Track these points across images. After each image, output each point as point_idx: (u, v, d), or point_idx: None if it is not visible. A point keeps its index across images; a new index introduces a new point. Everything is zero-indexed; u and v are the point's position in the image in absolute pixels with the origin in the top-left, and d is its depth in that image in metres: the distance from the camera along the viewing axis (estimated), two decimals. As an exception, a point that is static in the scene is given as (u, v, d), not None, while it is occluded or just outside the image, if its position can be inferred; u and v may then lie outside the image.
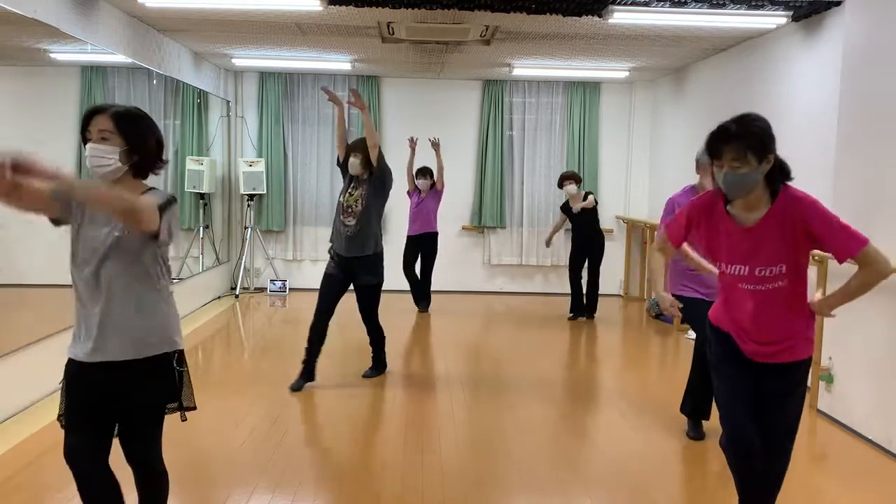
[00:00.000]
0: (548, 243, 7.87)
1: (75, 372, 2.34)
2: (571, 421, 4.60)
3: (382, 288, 5.23)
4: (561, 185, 7.53)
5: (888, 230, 4.12)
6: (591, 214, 7.47)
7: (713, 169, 2.48)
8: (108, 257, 2.23)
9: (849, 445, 4.22)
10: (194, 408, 2.50)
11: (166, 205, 2.22)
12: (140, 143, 2.25)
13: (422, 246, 7.76)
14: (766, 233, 2.47)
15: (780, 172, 2.49)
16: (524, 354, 6.21)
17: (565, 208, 7.63)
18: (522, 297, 8.97)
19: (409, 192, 7.86)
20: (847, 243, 2.41)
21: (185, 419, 2.47)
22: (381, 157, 5.00)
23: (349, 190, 5.07)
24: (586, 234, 7.53)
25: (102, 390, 2.31)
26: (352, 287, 5.16)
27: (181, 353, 2.42)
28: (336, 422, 4.42)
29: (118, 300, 2.26)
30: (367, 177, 5.00)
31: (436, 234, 7.78)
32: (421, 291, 7.86)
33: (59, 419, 2.39)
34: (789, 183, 2.53)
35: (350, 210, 5.01)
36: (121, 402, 2.32)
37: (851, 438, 4.30)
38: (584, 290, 7.64)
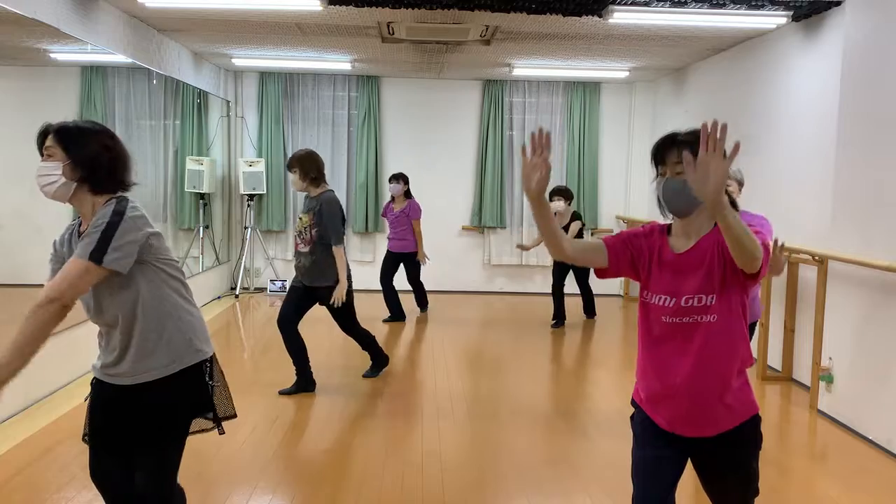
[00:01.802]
0: (522, 248, 7.60)
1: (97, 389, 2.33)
2: (571, 421, 4.60)
3: (354, 298, 5.03)
4: (550, 199, 7.35)
5: (889, 230, 4.12)
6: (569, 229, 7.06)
7: (656, 181, 2.16)
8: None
9: (849, 445, 4.22)
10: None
11: (104, 239, 2.06)
12: (83, 156, 2.13)
13: (401, 261, 7.41)
14: (697, 259, 2.08)
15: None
16: (524, 354, 6.21)
17: None
18: (522, 298, 8.97)
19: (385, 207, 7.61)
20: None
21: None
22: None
23: (301, 213, 4.84)
24: None
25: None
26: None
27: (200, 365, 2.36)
28: (336, 421, 4.42)
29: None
30: (316, 205, 4.71)
31: (414, 253, 7.34)
32: (417, 297, 7.66)
33: (83, 438, 2.37)
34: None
35: (301, 236, 4.78)
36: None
37: (851, 438, 4.30)
38: (582, 295, 7.50)
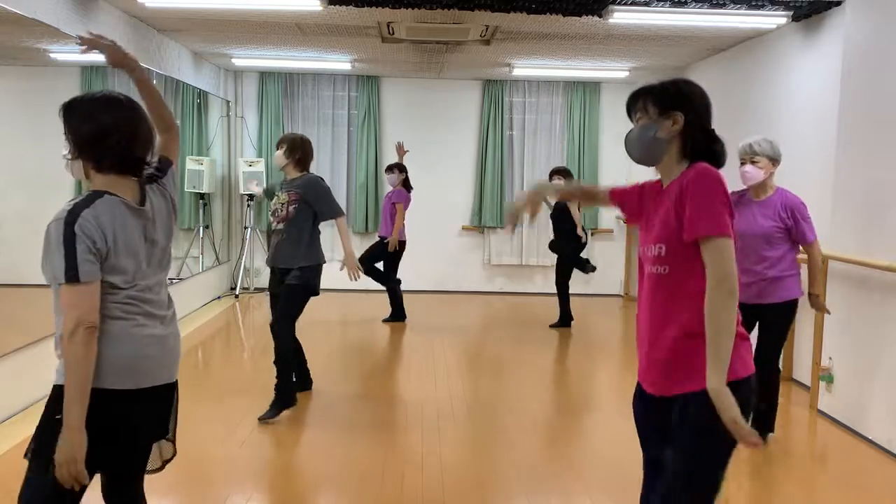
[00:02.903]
0: (510, 224, 7.49)
1: None
2: (571, 421, 4.60)
3: (305, 299, 4.53)
4: (550, 179, 7.09)
5: (888, 230, 4.12)
6: (563, 215, 6.96)
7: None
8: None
9: (849, 445, 4.22)
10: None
11: (68, 252, 1.89)
12: (77, 132, 2.00)
13: (377, 249, 7.16)
14: (658, 205, 2.03)
15: (705, 151, 2.02)
16: (524, 354, 6.21)
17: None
18: (522, 298, 8.97)
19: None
20: (698, 222, 1.88)
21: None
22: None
23: (278, 192, 4.64)
24: (560, 231, 7.06)
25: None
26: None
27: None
28: (336, 422, 4.42)
29: None
30: (300, 184, 4.54)
31: (384, 240, 7.07)
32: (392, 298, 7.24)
33: None
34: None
35: (276, 214, 4.56)
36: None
37: (851, 438, 4.30)
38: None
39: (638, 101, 2.08)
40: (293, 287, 4.48)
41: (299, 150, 4.59)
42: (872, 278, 4.23)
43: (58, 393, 1.95)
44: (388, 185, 7.43)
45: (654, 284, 2.01)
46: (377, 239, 7.34)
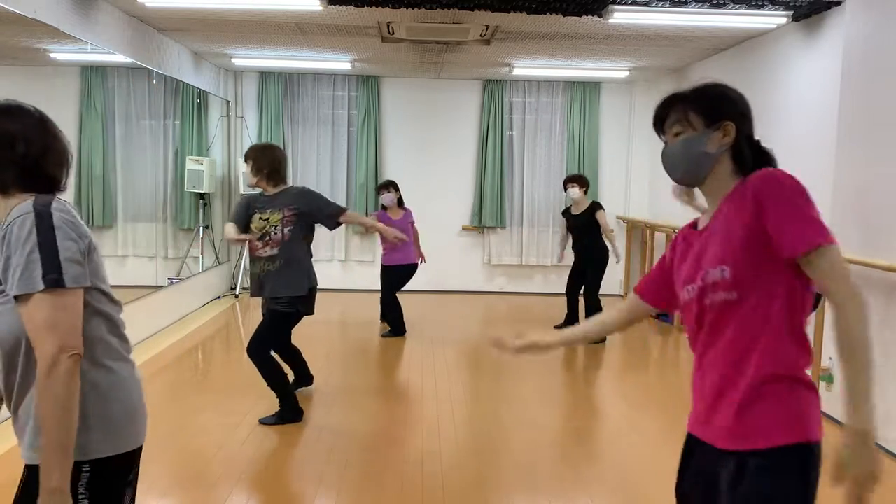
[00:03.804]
0: (560, 259, 7.31)
1: None
2: (571, 421, 4.60)
3: (292, 326, 4.43)
4: (565, 188, 6.97)
5: (889, 230, 4.12)
6: (590, 222, 6.79)
7: None
8: None
9: (849, 445, 4.21)
10: None
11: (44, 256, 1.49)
12: None
13: (398, 277, 6.76)
14: (716, 226, 1.70)
15: (759, 163, 1.73)
16: (524, 355, 6.20)
17: (566, 213, 7.05)
18: (522, 297, 8.97)
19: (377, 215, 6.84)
20: (803, 232, 1.55)
21: None
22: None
23: (260, 214, 4.24)
24: (584, 244, 6.84)
25: None
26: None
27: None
28: (336, 422, 4.42)
29: None
30: (289, 199, 4.29)
31: (415, 267, 6.76)
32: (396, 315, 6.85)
33: None
34: None
35: (267, 238, 4.22)
36: None
37: (851, 438, 4.30)
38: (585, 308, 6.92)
39: (673, 110, 1.77)
40: (282, 315, 4.25)
41: (266, 164, 4.18)
42: (873, 278, 4.23)
43: (37, 474, 1.50)
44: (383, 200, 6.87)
45: (719, 317, 1.64)
46: (395, 269, 6.75)
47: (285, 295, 4.24)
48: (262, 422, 4.27)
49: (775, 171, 1.62)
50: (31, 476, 1.55)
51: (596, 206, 6.83)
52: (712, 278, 1.64)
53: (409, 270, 6.77)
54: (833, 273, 1.55)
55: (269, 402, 4.66)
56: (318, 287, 4.47)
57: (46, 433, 1.45)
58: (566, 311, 7.09)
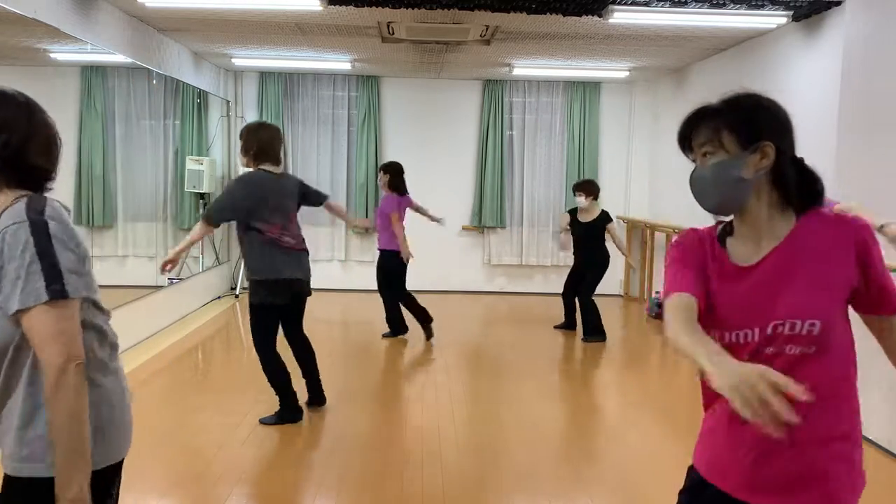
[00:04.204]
0: (564, 247, 7.02)
1: None
2: (572, 421, 4.60)
3: (258, 310, 4.32)
4: (574, 193, 6.80)
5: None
6: (598, 233, 6.69)
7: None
8: None
9: (849, 445, 4.22)
10: None
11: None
12: None
13: (381, 263, 6.52)
14: (785, 269, 1.50)
15: (803, 185, 1.57)
16: (524, 355, 6.21)
17: (573, 216, 6.83)
18: (522, 297, 8.97)
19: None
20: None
21: None
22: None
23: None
24: (589, 250, 6.68)
25: None
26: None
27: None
28: (337, 422, 4.42)
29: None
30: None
31: (392, 254, 6.36)
32: (389, 316, 6.61)
33: None
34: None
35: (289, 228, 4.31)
36: None
37: (851, 438, 4.30)
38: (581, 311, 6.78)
39: (704, 126, 1.55)
40: (251, 308, 4.30)
41: (253, 143, 4.14)
42: (872, 278, 4.23)
43: (20, 486, 1.49)
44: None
45: (789, 370, 1.35)
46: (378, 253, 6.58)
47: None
48: (263, 421, 4.27)
49: (870, 228, 1.55)
50: (10, 488, 1.52)
51: (607, 219, 6.72)
52: (793, 331, 1.47)
53: (383, 258, 6.46)
54: None
55: (269, 402, 4.66)
56: (292, 279, 4.27)
57: (62, 443, 1.44)
58: (564, 313, 7.07)
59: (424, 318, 6.46)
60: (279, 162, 4.29)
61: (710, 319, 1.53)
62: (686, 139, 1.59)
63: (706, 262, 1.57)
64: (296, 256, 4.30)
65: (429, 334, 6.48)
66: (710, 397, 1.61)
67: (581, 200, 6.68)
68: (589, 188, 6.75)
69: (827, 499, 1.50)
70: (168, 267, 4.07)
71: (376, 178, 8.73)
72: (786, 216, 1.54)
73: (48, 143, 1.59)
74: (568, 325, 7.07)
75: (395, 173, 6.42)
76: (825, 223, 1.52)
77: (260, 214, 4.16)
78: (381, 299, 6.56)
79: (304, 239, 4.42)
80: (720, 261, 1.56)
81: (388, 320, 6.60)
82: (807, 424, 1.36)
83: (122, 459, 1.66)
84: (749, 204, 1.53)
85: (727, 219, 1.61)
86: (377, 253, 6.56)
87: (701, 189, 1.56)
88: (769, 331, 1.48)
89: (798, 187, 1.54)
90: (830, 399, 1.48)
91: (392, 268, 6.37)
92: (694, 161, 1.59)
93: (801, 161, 1.57)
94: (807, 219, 1.53)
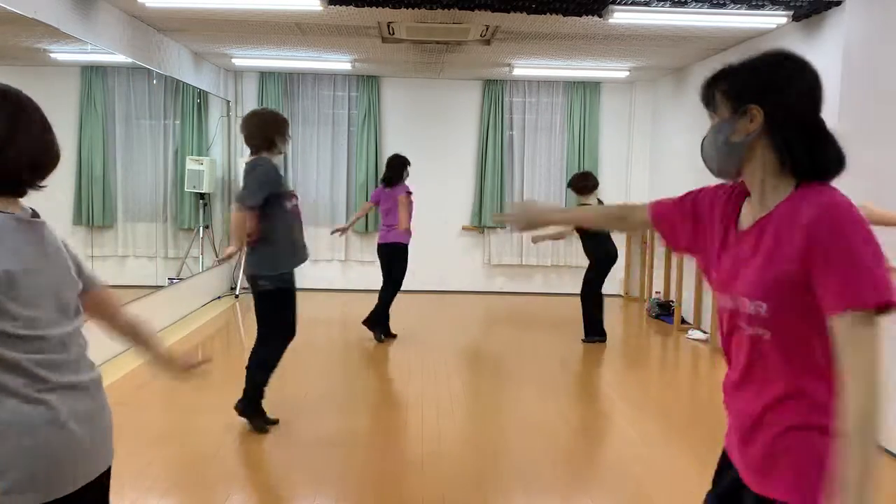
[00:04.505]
0: (535, 239, 6.61)
1: None
2: (571, 421, 4.60)
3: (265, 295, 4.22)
4: (580, 193, 6.56)
5: (891, 231, 4.11)
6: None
7: None
8: None
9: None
10: None
11: None
12: None
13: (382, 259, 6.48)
14: (757, 242, 1.48)
15: (806, 154, 1.45)
16: (524, 355, 6.21)
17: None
18: (522, 297, 8.97)
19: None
20: (855, 287, 1.31)
21: None
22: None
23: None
24: (596, 243, 6.54)
25: None
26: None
27: None
28: (336, 422, 4.42)
29: None
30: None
31: (392, 245, 6.35)
32: (375, 314, 6.55)
33: None
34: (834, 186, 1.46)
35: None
36: None
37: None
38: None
39: (705, 92, 1.56)
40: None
41: (256, 133, 4.19)
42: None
43: None
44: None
45: (750, 350, 1.49)
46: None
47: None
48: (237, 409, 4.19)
49: (834, 203, 1.38)
50: None
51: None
52: (746, 310, 1.47)
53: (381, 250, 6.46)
54: (861, 344, 1.33)
55: (269, 402, 4.66)
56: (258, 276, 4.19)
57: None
58: (594, 316, 6.67)
59: (383, 325, 6.50)
60: (273, 152, 4.30)
61: (709, 276, 1.62)
62: (705, 104, 1.60)
63: (709, 220, 1.62)
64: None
65: (376, 336, 6.50)
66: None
67: (592, 200, 6.52)
68: (591, 182, 6.50)
69: (763, 470, 1.49)
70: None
71: (376, 177, 8.82)
72: (783, 186, 1.47)
73: (34, 147, 1.52)
74: (598, 329, 6.70)
75: (388, 166, 6.43)
76: (808, 201, 1.41)
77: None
78: (375, 293, 6.53)
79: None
80: (728, 223, 1.58)
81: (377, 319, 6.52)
82: (762, 409, 1.46)
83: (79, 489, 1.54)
84: (746, 168, 1.51)
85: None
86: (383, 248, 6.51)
87: (703, 154, 1.58)
88: (736, 305, 1.49)
89: (798, 154, 1.45)
90: (789, 385, 1.44)
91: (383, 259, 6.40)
92: None
93: (816, 126, 1.48)
94: (800, 192, 1.44)
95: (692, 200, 1.68)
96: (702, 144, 1.58)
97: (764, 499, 1.47)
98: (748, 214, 1.54)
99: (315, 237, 8.92)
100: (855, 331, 1.30)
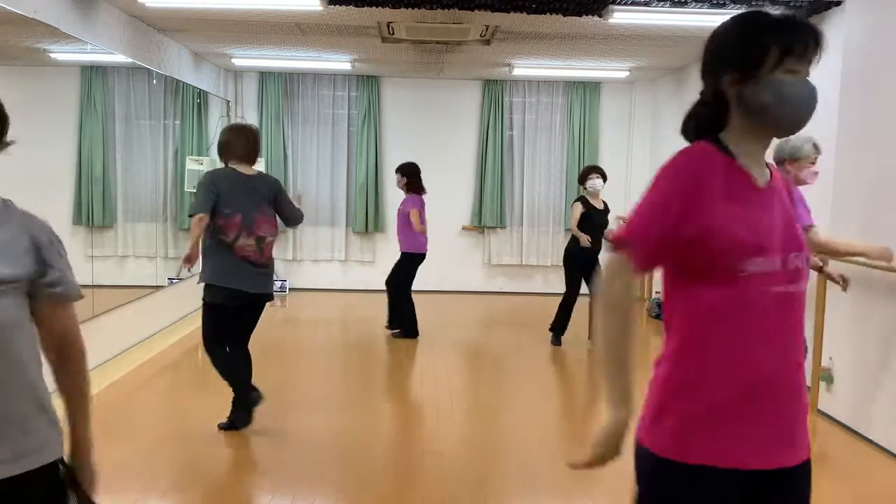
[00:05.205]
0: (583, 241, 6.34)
1: None
2: (571, 421, 4.60)
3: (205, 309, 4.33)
4: (584, 180, 6.43)
5: (889, 229, 4.11)
6: (608, 214, 6.45)
7: (766, 77, 1.43)
8: None
9: (849, 446, 4.22)
10: None
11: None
12: None
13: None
14: (779, 199, 1.52)
15: None
16: (524, 354, 6.21)
17: (587, 204, 6.36)
18: (522, 297, 8.97)
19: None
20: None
21: None
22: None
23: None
24: (600, 238, 6.33)
25: None
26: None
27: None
28: (337, 422, 4.42)
29: None
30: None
31: (404, 255, 6.57)
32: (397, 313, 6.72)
33: None
34: None
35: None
36: None
37: (852, 439, 4.30)
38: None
39: (815, 42, 1.46)
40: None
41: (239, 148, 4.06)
42: (873, 278, 4.23)
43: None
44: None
45: (789, 309, 1.47)
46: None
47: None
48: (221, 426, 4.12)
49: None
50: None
51: (608, 208, 6.49)
52: (793, 264, 1.47)
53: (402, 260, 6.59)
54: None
55: (268, 402, 4.66)
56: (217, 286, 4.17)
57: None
58: (563, 320, 6.56)
59: (410, 325, 6.58)
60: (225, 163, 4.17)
61: (726, 247, 1.42)
62: (805, 45, 1.45)
63: (712, 186, 1.44)
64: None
65: (396, 333, 6.59)
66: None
67: (598, 183, 6.32)
68: (602, 170, 6.45)
69: (804, 427, 1.54)
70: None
71: (376, 177, 8.82)
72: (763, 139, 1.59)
73: None
74: (563, 331, 6.58)
75: (410, 174, 6.57)
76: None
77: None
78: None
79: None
80: (740, 180, 1.48)
81: (397, 318, 6.62)
82: (799, 366, 1.51)
83: None
84: None
85: None
86: (399, 255, 6.63)
87: (807, 103, 1.46)
88: (789, 263, 1.46)
89: None
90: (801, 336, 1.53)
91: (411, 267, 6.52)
92: (791, 71, 1.45)
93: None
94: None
95: (679, 202, 1.44)
96: (804, 94, 1.46)
97: (802, 468, 1.49)
98: (757, 171, 1.51)
99: (315, 237, 8.94)
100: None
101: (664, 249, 1.48)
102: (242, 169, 4.05)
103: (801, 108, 1.46)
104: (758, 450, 1.45)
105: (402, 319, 6.61)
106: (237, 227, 3.94)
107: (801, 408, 1.50)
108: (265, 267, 4.08)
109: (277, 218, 4.15)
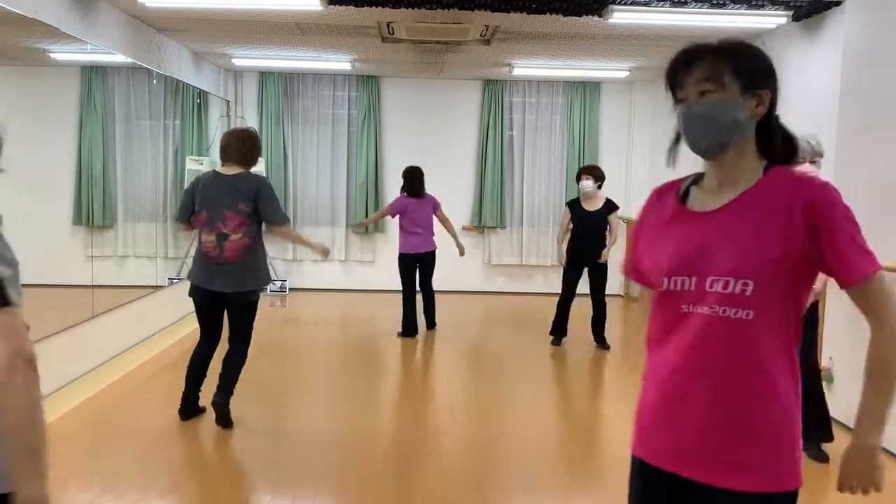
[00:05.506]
0: (562, 260, 6.51)
1: None
2: (572, 421, 4.60)
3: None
4: (578, 180, 6.46)
5: (889, 229, 4.11)
6: (604, 223, 6.37)
7: (676, 110, 1.56)
8: None
9: (849, 445, 4.21)
10: None
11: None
12: None
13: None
14: (734, 221, 1.49)
15: (781, 141, 1.58)
16: (524, 354, 6.21)
17: (574, 206, 6.47)
18: (522, 297, 8.97)
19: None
20: (861, 259, 1.42)
21: None
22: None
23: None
24: (593, 243, 6.32)
25: None
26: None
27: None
28: (337, 422, 4.42)
29: None
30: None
31: (434, 253, 6.85)
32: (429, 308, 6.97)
33: None
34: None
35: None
36: None
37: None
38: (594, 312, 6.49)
39: (706, 63, 1.50)
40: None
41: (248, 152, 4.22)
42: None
43: None
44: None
45: (723, 333, 1.46)
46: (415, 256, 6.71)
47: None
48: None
49: (830, 187, 1.47)
50: None
51: (613, 207, 6.40)
52: (727, 290, 1.45)
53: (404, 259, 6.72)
54: (884, 301, 1.44)
55: (268, 402, 4.67)
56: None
57: (19, 444, 1.33)
58: (559, 321, 6.53)
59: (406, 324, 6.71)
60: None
61: (654, 262, 1.58)
62: (678, 74, 1.54)
63: (654, 215, 1.65)
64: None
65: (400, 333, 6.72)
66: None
67: (588, 184, 6.30)
68: (596, 172, 6.39)
69: (729, 448, 1.50)
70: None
71: (376, 177, 8.83)
72: (755, 167, 1.54)
73: None
74: (561, 332, 6.58)
75: (406, 179, 6.69)
76: (785, 181, 1.50)
77: None
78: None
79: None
80: (676, 210, 1.59)
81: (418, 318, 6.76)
82: (738, 391, 1.47)
83: None
84: (732, 150, 1.53)
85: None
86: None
87: (700, 126, 1.52)
88: (707, 285, 1.48)
89: (779, 139, 1.57)
90: (775, 369, 1.47)
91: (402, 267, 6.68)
92: (679, 100, 1.55)
93: (778, 120, 1.60)
94: (773, 173, 1.52)
95: (633, 239, 1.72)
96: (692, 115, 1.52)
97: (739, 497, 1.49)
98: (706, 197, 1.56)
99: (315, 237, 8.93)
100: (876, 290, 1.44)
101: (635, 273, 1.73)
102: (226, 170, 4.17)
103: (688, 131, 1.54)
104: (675, 454, 1.53)
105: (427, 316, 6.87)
106: (202, 223, 4.16)
107: (736, 432, 1.47)
108: (223, 264, 4.12)
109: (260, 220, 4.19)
